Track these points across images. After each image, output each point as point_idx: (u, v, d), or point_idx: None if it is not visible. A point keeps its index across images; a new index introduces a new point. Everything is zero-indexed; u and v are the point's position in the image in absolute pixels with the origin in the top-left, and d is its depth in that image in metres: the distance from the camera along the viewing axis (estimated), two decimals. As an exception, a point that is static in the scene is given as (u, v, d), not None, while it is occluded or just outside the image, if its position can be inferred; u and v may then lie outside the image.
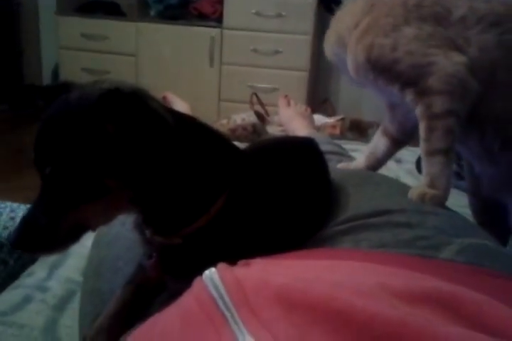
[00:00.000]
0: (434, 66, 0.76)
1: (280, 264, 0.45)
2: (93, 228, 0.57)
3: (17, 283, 1.00)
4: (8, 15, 3.52)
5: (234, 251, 0.60)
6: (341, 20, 0.90)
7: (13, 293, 0.95)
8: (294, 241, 0.69)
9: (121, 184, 0.52)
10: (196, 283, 0.41)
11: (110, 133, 0.51)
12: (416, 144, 1.97)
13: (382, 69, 0.81)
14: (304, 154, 0.78)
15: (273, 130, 1.94)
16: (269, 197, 0.66)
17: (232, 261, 0.47)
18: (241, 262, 0.46)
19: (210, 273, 0.39)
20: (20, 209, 1.24)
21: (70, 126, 0.51)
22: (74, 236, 0.54)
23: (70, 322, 0.87)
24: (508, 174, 0.87)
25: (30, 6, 3.61)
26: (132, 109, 0.51)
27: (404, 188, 0.84)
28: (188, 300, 0.40)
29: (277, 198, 0.67)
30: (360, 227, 0.68)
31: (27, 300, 0.92)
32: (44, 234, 0.51)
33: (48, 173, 0.52)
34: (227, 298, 0.36)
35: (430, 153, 0.80)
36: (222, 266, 0.41)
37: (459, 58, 0.76)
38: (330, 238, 0.69)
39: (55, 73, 3.48)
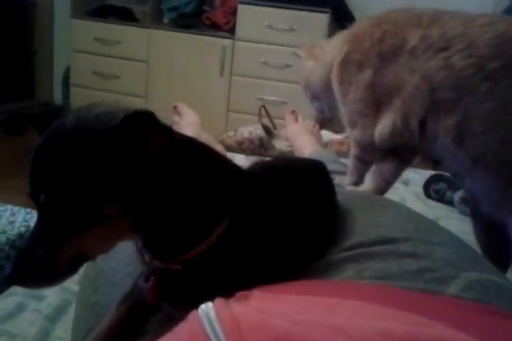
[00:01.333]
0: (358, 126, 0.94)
1: (278, 300, 0.43)
2: (93, 257, 0.54)
3: (12, 289, 0.99)
4: (23, 15, 3.55)
5: (235, 278, 0.59)
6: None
7: (7, 301, 0.94)
8: (295, 267, 0.67)
9: (119, 210, 0.50)
10: (191, 316, 0.39)
11: (114, 160, 0.48)
12: (425, 166, 1.96)
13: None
14: (310, 177, 0.77)
15: (280, 145, 1.93)
16: (272, 222, 0.64)
17: (231, 288, 0.46)
18: (239, 294, 0.44)
19: (207, 308, 0.38)
20: (21, 213, 1.23)
21: (63, 153, 0.49)
22: (73, 268, 0.52)
23: (63, 334, 0.86)
24: (491, 188, 0.87)
25: (45, 7, 3.64)
26: (123, 133, 0.48)
27: (411, 213, 0.83)
28: (181, 333, 0.38)
29: (281, 224, 0.65)
30: (364, 255, 0.67)
31: (21, 308, 0.91)
32: (41, 268, 0.49)
33: (42, 201, 0.49)
34: (221, 337, 0.34)
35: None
36: (219, 301, 0.39)
37: (385, 121, 0.88)
38: (334, 264, 0.67)
39: (66, 75, 3.49)
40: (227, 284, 0.57)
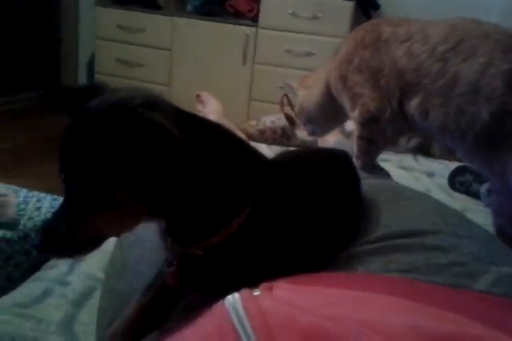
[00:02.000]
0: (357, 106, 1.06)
1: (305, 292, 0.42)
2: (110, 236, 0.57)
3: (38, 274, 1.00)
4: (50, 4, 3.58)
5: (257, 267, 0.58)
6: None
7: (34, 286, 0.95)
8: (320, 258, 0.67)
9: (130, 197, 0.52)
10: (218, 308, 0.39)
11: (110, 148, 0.50)
12: (450, 158, 1.92)
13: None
14: (335, 168, 0.76)
15: (302, 134, 1.91)
16: (295, 211, 0.63)
17: (253, 278, 0.45)
18: (263, 285, 0.43)
19: (234, 301, 0.37)
20: (47, 200, 1.25)
21: (79, 138, 0.51)
22: (91, 244, 0.55)
23: (87, 319, 0.87)
24: (468, 154, 0.99)
25: (70, -4, 3.66)
26: (131, 124, 0.49)
27: (438, 205, 0.82)
28: (209, 327, 0.38)
29: (304, 213, 0.64)
30: (391, 248, 0.66)
31: (47, 293, 0.93)
32: (63, 240, 0.53)
33: (63, 179, 0.53)
34: (250, 332, 0.34)
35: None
36: (245, 293, 0.39)
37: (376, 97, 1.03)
38: (359, 257, 0.66)
39: (91, 63, 3.52)
40: (249, 272, 0.57)
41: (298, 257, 0.63)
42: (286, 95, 2.29)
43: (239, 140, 0.64)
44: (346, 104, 1.11)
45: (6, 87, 3.36)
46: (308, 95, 1.25)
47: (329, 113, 1.23)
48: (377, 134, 1.09)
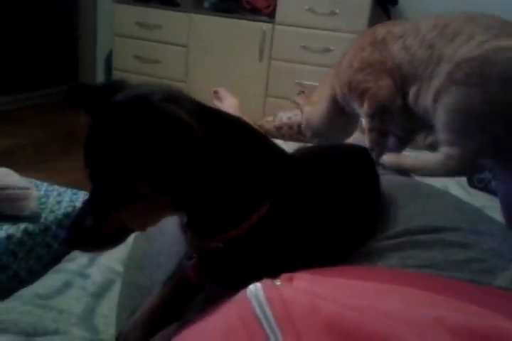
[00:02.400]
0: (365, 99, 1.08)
1: (327, 283, 0.43)
2: (136, 230, 0.58)
3: (59, 267, 1.02)
4: (68, 1, 3.61)
5: (276, 260, 0.59)
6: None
7: (55, 278, 0.97)
8: (338, 252, 0.67)
9: (154, 190, 0.52)
10: (240, 297, 0.39)
11: (133, 142, 0.50)
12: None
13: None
14: (355, 163, 0.76)
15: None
16: (315, 205, 0.63)
17: (273, 271, 0.46)
18: (284, 276, 0.44)
19: (256, 290, 0.38)
20: (67, 194, 1.27)
21: (103, 133, 0.52)
22: (117, 238, 0.56)
23: (107, 311, 0.88)
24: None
25: (88, -7, 3.69)
26: (152, 118, 0.50)
27: (457, 202, 0.81)
28: (231, 316, 0.39)
29: (324, 207, 0.64)
30: (410, 244, 0.66)
31: (67, 285, 0.94)
32: (89, 235, 0.54)
33: (88, 175, 0.54)
34: (273, 321, 0.34)
35: None
36: (267, 282, 0.39)
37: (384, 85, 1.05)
38: (377, 252, 0.67)
39: (109, 59, 3.55)
40: (268, 265, 0.58)
41: (316, 251, 0.63)
42: (302, 92, 2.29)
43: (258, 134, 0.64)
44: (355, 106, 1.12)
45: (26, 83, 3.41)
46: (314, 111, 1.30)
47: (337, 125, 1.28)
48: (389, 125, 1.10)
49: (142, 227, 0.59)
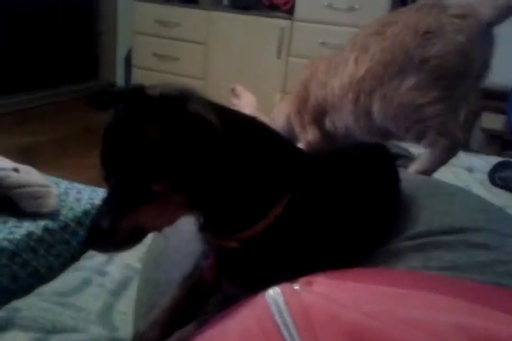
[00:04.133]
0: None
1: (345, 288, 0.42)
2: (151, 230, 0.58)
3: (78, 264, 1.03)
4: (89, -1, 3.65)
5: (293, 260, 0.58)
6: None
7: (74, 275, 0.98)
8: (357, 253, 0.66)
9: (167, 188, 0.52)
10: (258, 302, 0.38)
11: (148, 140, 0.50)
12: (490, 152, 1.86)
13: None
14: (374, 162, 0.75)
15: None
16: (333, 204, 0.62)
17: (291, 271, 0.45)
18: (302, 280, 0.43)
19: (275, 295, 0.37)
20: (86, 191, 1.28)
21: (115, 133, 0.53)
22: (133, 238, 0.56)
23: (125, 308, 0.89)
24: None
25: (109, -9, 3.72)
26: (170, 115, 0.50)
27: (481, 202, 0.79)
28: (249, 320, 0.38)
29: (342, 207, 0.63)
30: (431, 244, 0.65)
31: (86, 282, 0.95)
32: (106, 236, 0.54)
33: (104, 176, 0.54)
34: (292, 328, 0.33)
35: None
36: (286, 287, 0.38)
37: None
38: (398, 253, 0.65)
39: (128, 57, 3.58)
40: (286, 266, 0.57)
41: (335, 251, 0.62)
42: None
43: (275, 132, 0.63)
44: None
45: (46, 80, 3.45)
46: (276, 117, 1.37)
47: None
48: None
49: (158, 227, 0.58)
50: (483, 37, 0.93)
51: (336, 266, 0.52)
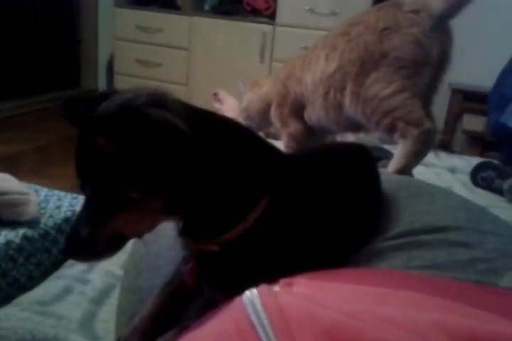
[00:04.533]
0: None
1: (326, 288, 0.41)
2: (131, 237, 0.56)
3: (59, 272, 1.02)
4: (70, 5, 3.63)
5: (274, 262, 0.58)
6: None
7: (55, 283, 0.96)
8: (339, 254, 0.66)
9: (143, 195, 0.51)
10: (236, 304, 0.38)
11: (111, 151, 0.49)
12: (471, 153, 1.89)
13: None
14: (354, 162, 0.74)
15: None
16: (313, 206, 0.62)
17: (272, 274, 0.44)
18: (282, 281, 0.42)
19: (252, 296, 0.37)
20: (67, 198, 1.26)
21: (89, 143, 0.52)
22: (113, 246, 0.54)
23: (107, 316, 0.87)
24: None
25: (90, -3, 3.71)
26: (135, 123, 0.49)
27: (461, 201, 0.80)
28: (226, 323, 0.37)
29: (322, 208, 0.63)
30: (412, 244, 0.65)
31: (67, 291, 0.93)
32: (85, 244, 0.52)
33: (80, 185, 0.54)
34: (269, 329, 0.33)
35: None
36: (264, 288, 0.38)
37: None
38: (379, 253, 0.65)
39: (110, 63, 3.56)
40: (267, 268, 0.57)
41: (316, 253, 0.61)
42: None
43: (252, 134, 0.63)
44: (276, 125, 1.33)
45: (28, 88, 3.41)
46: (253, 100, 1.39)
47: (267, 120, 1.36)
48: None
49: (138, 234, 0.57)
50: (438, 28, 0.99)
51: (317, 267, 0.51)
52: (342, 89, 1.06)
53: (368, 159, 0.79)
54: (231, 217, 0.57)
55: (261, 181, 0.58)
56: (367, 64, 1.01)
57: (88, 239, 0.52)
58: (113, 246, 0.55)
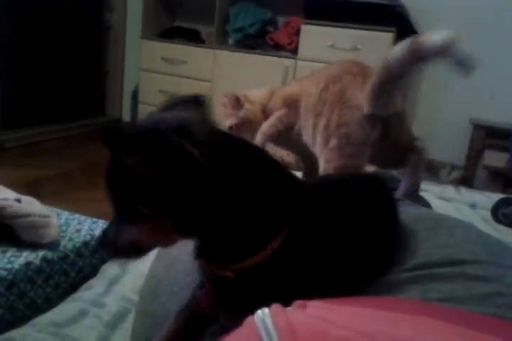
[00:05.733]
0: None
1: (340, 310, 0.41)
2: (148, 247, 0.61)
3: (75, 295, 1.02)
4: (98, 37, 3.77)
5: (290, 291, 0.57)
6: None
7: (71, 306, 0.96)
8: (355, 285, 0.65)
9: (153, 212, 0.55)
10: (247, 323, 0.38)
11: (132, 164, 0.53)
12: (493, 189, 1.86)
13: None
14: (372, 194, 0.75)
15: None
16: (331, 237, 0.62)
17: (287, 300, 0.45)
18: (296, 303, 0.42)
19: (263, 315, 0.37)
20: (87, 223, 1.28)
21: (113, 161, 0.57)
22: (134, 251, 0.60)
23: (121, 341, 0.87)
24: None
25: (118, 30, 3.85)
26: (153, 147, 0.52)
27: (480, 235, 0.79)
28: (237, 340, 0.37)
29: (341, 238, 0.63)
30: (430, 277, 0.64)
31: (83, 314, 0.94)
32: (110, 244, 0.60)
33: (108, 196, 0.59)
34: None
35: None
36: (276, 308, 0.38)
37: None
38: (396, 285, 0.65)
39: (135, 93, 3.65)
40: (282, 295, 0.56)
41: (332, 283, 0.61)
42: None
43: (275, 163, 0.64)
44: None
45: (55, 116, 3.51)
46: (255, 111, 1.44)
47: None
48: None
49: (153, 245, 0.61)
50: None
51: (332, 295, 0.51)
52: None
53: (385, 191, 0.79)
54: (248, 244, 0.57)
55: (280, 210, 0.59)
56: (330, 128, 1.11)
57: (112, 240, 0.60)
58: (133, 251, 0.61)
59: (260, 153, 0.63)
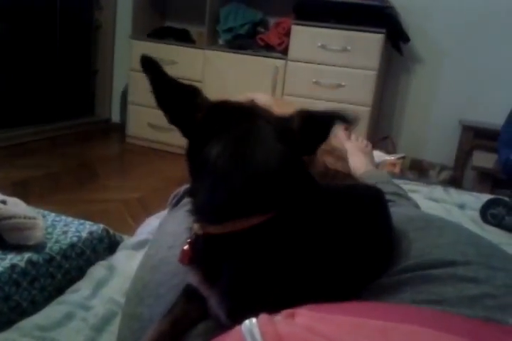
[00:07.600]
0: None
1: (328, 320, 0.40)
2: None
3: (62, 298, 1.00)
4: (88, 37, 3.74)
5: (282, 293, 0.57)
6: None
7: (57, 309, 0.95)
8: (348, 288, 0.65)
9: None
10: (234, 333, 0.37)
11: None
12: (481, 190, 1.87)
13: None
14: (368, 201, 0.75)
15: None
16: (326, 240, 0.62)
17: (277, 306, 0.44)
18: (285, 312, 0.42)
19: (251, 325, 0.36)
20: (74, 224, 1.26)
21: None
22: None
23: (107, 344, 0.86)
24: None
25: (107, 29, 3.82)
26: None
27: (470, 235, 0.79)
28: None
29: (335, 242, 0.63)
30: (420, 278, 0.64)
31: (69, 317, 0.92)
32: None
33: None
34: None
35: None
36: (264, 318, 0.37)
37: None
38: (388, 287, 0.64)
39: (125, 93, 3.63)
40: (273, 299, 0.56)
41: (323, 285, 0.61)
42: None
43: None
44: None
45: (43, 116, 3.48)
46: None
47: None
48: None
49: None
50: None
51: (325, 300, 0.51)
52: None
53: (380, 199, 0.79)
54: (236, 203, 0.56)
55: (282, 190, 0.58)
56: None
57: None
58: None
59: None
